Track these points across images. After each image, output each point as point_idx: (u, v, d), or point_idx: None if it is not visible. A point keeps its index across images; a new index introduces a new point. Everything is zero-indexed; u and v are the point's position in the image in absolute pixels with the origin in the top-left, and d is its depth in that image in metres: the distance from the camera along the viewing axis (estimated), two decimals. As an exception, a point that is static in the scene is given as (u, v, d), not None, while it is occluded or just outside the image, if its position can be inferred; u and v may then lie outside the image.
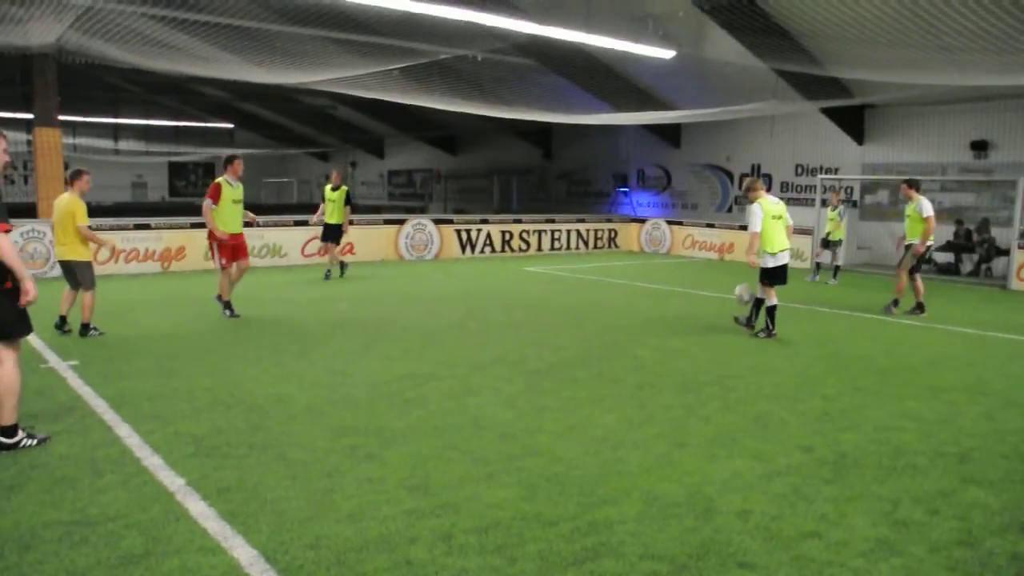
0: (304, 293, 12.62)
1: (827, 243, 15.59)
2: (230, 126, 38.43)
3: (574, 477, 4.71)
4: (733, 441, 5.47)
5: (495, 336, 9.20)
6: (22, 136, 27.01)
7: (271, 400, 6.26)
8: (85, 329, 8.71)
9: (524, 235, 20.51)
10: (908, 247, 11.63)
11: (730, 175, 23.17)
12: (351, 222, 14.91)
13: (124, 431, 5.41)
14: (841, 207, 15.51)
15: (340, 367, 7.46)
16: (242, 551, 3.69)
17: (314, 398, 6.35)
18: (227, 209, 9.85)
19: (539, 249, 20.76)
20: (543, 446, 5.27)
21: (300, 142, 37.46)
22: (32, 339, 8.39)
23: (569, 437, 5.49)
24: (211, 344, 8.47)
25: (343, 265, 14.76)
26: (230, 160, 10.02)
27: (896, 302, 11.61)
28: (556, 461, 4.98)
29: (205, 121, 37.23)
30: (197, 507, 4.17)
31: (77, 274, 8.63)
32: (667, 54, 15.71)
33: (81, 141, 32.97)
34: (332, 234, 14.42)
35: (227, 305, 10.12)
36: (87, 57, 14.94)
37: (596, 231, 22.07)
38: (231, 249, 9.96)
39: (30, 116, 17.93)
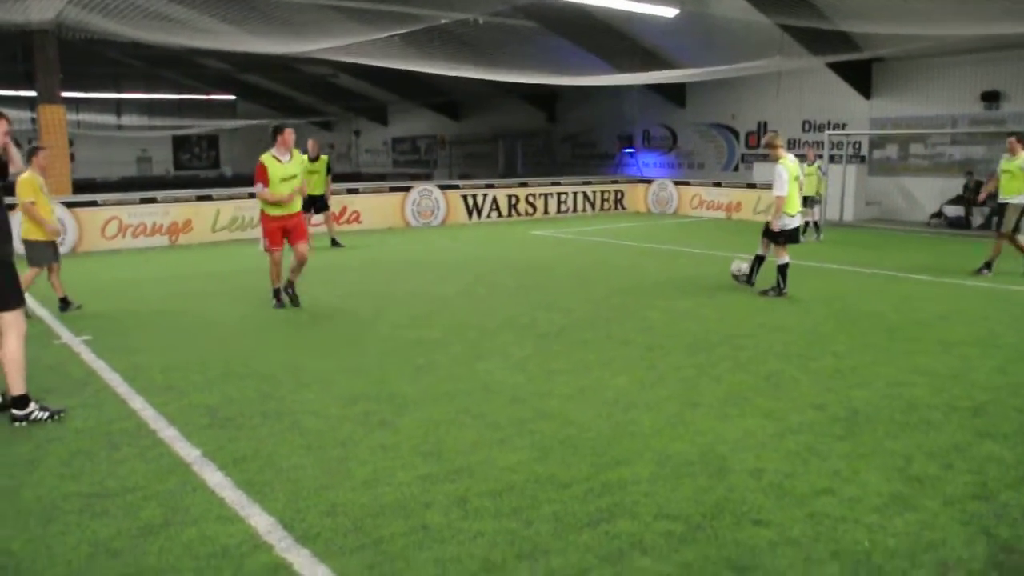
0: (311, 262, 12.60)
1: (806, 200, 15.44)
2: (232, 98, 38.27)
3: (586, 439, 4.73)
4: (745, 400, 5.48)
5: (503, 301, 9.20)
6: (26, 114, 26.98)
7: (283, 369, 6.28)
8: None
9: (530, 199, 20.42)
10: (1003, 206, 10.80)
11: (736, 134, 22.97)
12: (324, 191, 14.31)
13: (138, 404, 5.45)
14: (819, 162, 15.32)
15: (350, 335, 7.48)
16: (259, 519, 3.73)
17: (325, 366, 6.37)
18: (277, 189, 8.55)
19: (545, 212, 20.67)
20: (554, 409, 5.29)
21: (303, 112, 37.26)
22: (45, 316, 8.43)
23: (580, 400, 5.50)
24: (221, 315, 8.49)
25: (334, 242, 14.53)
26: (278, 130, 8.73)
27: (989, 265, 10.84)
28: (568, 424, 5.00)
29: (207, 93, 37.06)
30: (214, 477, 4.21)
31: (25, 251, 8.34)
32: (670, 12, 15.51)
33: (84, 117, 32.94)
34: (315, 205, 13.98)
35: (275, 294, 8.97)
36: (87, 32, 14.86)
37: (602, 193, 21.94)
38: (280, 231, 8.76)
39: (33, 94, 17.87)
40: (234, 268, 12.02)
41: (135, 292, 9.95)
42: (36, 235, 8.31)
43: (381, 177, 30.11)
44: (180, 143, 40.28)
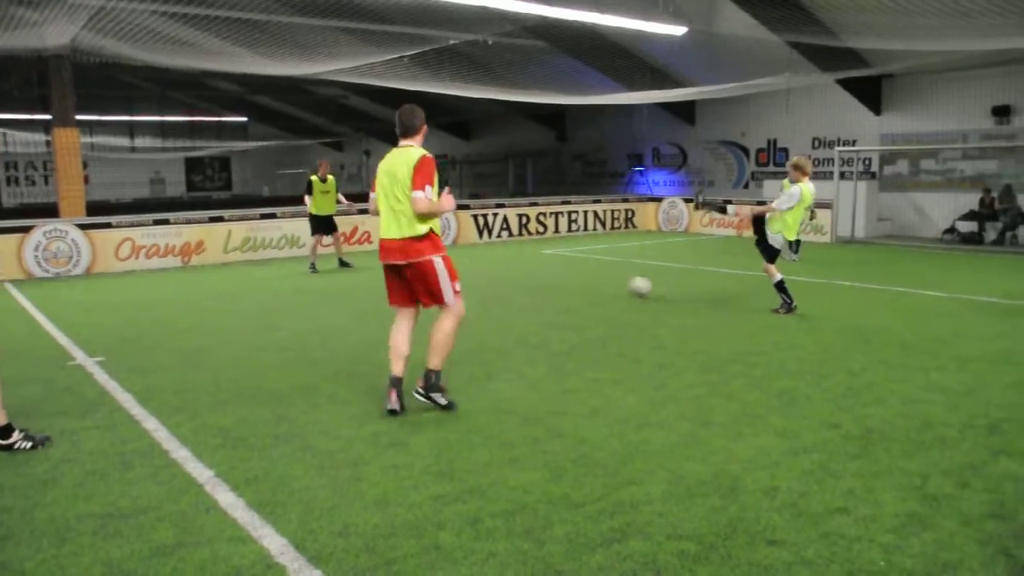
0: (322, 283, 12.67)
1: None
2: (244, 119, 38.60)
3: (599, 458, 4.71)
4: (758, 418, 5.45)
5: (515, 320, 9.20)
6: (41, 137, 27.30)
7: (295, 390, 6.29)
8: None
9: (541, 218, 20.46)
10: None
11: (746, 151, 22.99)
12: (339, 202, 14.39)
13: (152, 424, 5.46)
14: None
15: (362, 355, 7.48)
16: (272, 540, 3.72)
17: (337, 387, 6.38)
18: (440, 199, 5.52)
19: (556, 231, 20.71)
20: (567, 428, 5.27)
21: (313, 133, 37.53)
22: (59, 337, 8.49)
23: (593, 419, 5.49)
24: (233, 336, 8.52)
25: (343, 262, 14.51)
26: (414, 121, 5.57)
27: None
28: (581, 443, 4.98)
29: (219, 115, 37.42)
30: (226, 498, 4.21)
31: None
32: (678, 31, 15.56)
33: (98, 140, 33.23)
34: (326, 226, 14.05)
35: (439, 394, 5.71)
36: (101, 56, 15.07)
37: (613, 211, 21.97)
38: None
39: (48, 117, 18.10)
40: (246, 288, 12.08)
41: (148, 313, 10.00)
42: None
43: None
44: (193, 165, 40.61)
